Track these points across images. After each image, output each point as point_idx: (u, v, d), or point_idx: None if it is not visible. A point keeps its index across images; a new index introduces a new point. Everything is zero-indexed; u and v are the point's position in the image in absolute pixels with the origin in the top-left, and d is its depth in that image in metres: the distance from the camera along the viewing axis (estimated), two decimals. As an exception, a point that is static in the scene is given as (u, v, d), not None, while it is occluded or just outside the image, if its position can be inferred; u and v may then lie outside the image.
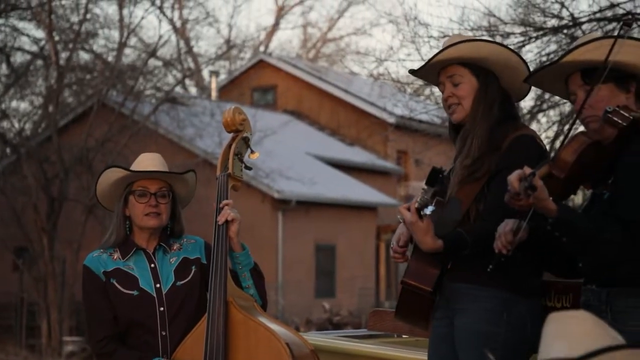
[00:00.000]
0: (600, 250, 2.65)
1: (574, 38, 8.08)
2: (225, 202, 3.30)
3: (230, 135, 3.47)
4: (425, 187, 2.82)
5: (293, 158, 20.69)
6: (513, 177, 2.55)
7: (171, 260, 3.36)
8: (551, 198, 2.62)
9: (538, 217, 2.66)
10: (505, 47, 3.16)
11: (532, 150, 2.98)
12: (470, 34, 8.36)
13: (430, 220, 2.88)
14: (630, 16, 7.86)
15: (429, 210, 2.83)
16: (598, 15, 8.19)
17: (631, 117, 2.72)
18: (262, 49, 29.80)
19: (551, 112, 12.51)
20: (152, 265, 3.34)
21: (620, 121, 2.70)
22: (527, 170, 2.55)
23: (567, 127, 3.00)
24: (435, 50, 3.60)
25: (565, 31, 8.32)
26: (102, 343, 3.27)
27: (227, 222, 3.27)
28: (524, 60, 3.18)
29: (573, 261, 2.88)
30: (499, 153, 3.03)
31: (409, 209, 2.89)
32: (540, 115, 12.53)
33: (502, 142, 3.05)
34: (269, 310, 3.18)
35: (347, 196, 21.15)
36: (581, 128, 2.94)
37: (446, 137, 3.89)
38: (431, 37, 9.22)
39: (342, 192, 21.23)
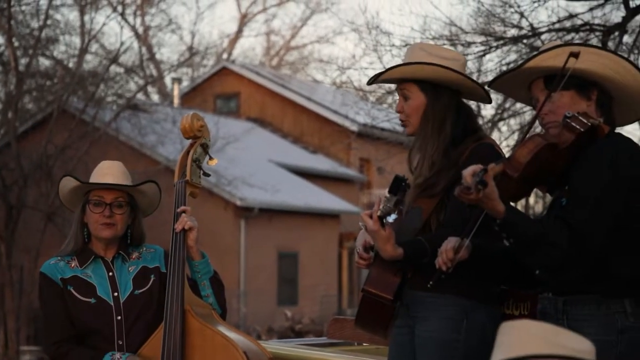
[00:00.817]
0: (545, 253, 2.66)
1: (533, 48, 8.17)
2: (182, 208, 3.28)
3: (189, 141, 3.44)
4: (388, 195, 2.83)
5: (256, 165, 20.67)
6: (467, 171, 2.58)
7: (130, 268, 3.33)
8: (502, 199, 2.63)
9: (487, 220, 2.67)
10: (446, 68, 3.09)
11: (491, 156, 3.00)
12: (432, 42, 8.40)
13: (392, 229, 2.88)
14: (588, 26, 7.96)
15: (391, 218, 2.85)
16: (557, 25, 8.29)
17: (589, 124, 2.74)
18: (225, 56, 29.76)
19: (512, 121, 12.66)
20: (110, 273, 3.31)
21: (578, 127, 2.73)
22: (481, 166, 2.56)
23: (527, 130, 3.03)
24: (397, 59, 3.62)
25: (525, 41, 8.41)
26: (56, 345, 3.24)
27: (185, 230, 3.24)
28: (468, 77, 3.16)
29: (529, 274, 2.91)
30: (457, 167, 3.03)
31: (371, 216, 2.90)
32: (501, 124, 12.66)
33: (461, 157, 3.06)
34: (231, 318, 3.17)
35: (309, 204, 21.17)
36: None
37: (408, 145, 3.91)
38: (393, 45, 9.27)
39: (305, 199, 21.24)
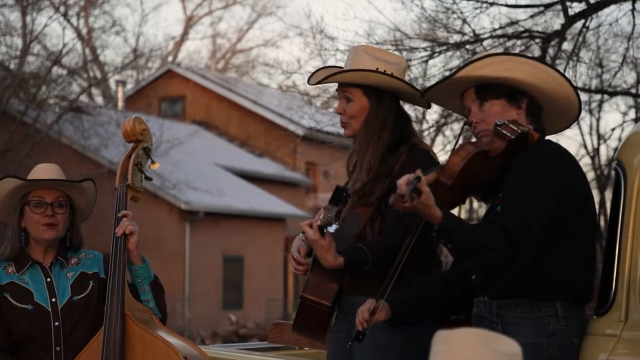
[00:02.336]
0: (482, 257, 2.71)
1: (476, 54, 8.28)
2: (123, 213, 3.26)
3: (130, 145, 3.42)
4: (329, 205, 2.85)
5: (201, 169, 20.55)
6: (401, 180, 2.61)
7: (68, 274, 3.30)
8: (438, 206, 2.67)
9: (425, 226, 2.71)
10: (392, 76, 3.14)
11: (426, 163, 3.04)
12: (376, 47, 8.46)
13: (332, 238, 2.91)
14: (529, 33, 8.10)
15: (332, 228, 2.87)
16: (499, 32, 8.41)
17: (519, 131, 2.80)
18: (170, 59, 29.53)
19: (455, 126, 12.78)
20: (48, 279, 3.27)
21: (508, 134, 2.79)
22: (416, 174, 2.60)
23: (457, 138, 3.09)
24: (341, 63, 3.64)
25: (467, 47, 8.52)
26: None
27: (125, 234, 3.22)
28: (412, 86, 3.21)
29: (462, 296, 2.96)
30: (392, 175, 3.06)
31: (311, 226, 2.91)
32: (445, 129, 12.81)
33: (395, 165, 3.09)
34: (175, 322, 3.15)
35: (255, 207, 21.12)
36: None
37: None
38: (337, 50, 9.33)
39: (251, 203, 21.18)
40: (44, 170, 3.33)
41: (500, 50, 8.02)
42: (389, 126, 3.14)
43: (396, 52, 8.44)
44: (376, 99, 3.15)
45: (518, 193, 2.75)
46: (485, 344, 1.93)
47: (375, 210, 3.09)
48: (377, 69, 3.12)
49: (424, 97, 3.11)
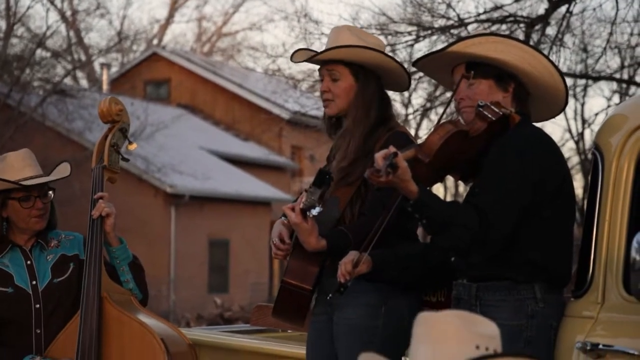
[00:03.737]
0: (455, 234, 2.72)
1: (461, 39, 8.27)
2: (99, 195, 3.24)
3: (107, 126, 3.40)
4: (312, 188, 2.83)
5: (186, 152, 20.49)
6: (378, 154, 2.60)
7: (48, 257, 3.28)
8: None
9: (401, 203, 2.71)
10: (384, 54, 3.16)
11: (405, 145, 3.03)
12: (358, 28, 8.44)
13: (315, 221, 2.90)
14: (513, 18, 8.09)
15: (315, 211, 2.85)
16: (483, 16, 8.41)
17: (501, 113, 2.80)
18: (155, 42, 29.37)
19: (441, 109, 12.80)
20: (29, 262, 3.25)
21: (489, 115, 2.79)
22: (393, 149, 2.59)
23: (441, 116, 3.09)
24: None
25: (452, 31, 8.51)
26: None
27: (102, 216, 3.20)
28: (402, 66, 3.21)
29: (439, 271, 2.96)
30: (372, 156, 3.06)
31: (293, 209, 2.90)
32: (431, 113, 12.81)
33: (375, 146, 3.08)
34: (161, 305, 3.14)
35: (241, 191, 21.10)
36: None
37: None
38: (322, 34, 9.29)
39: (236, 187, 21.16)
40: (22, 161, 3.26)
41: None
42: (374, 106, 3.14)
43: (381, 37, 8.43)
44: (364, 78, 3.14)
45: (495, 174, 2.75)
46: (466, 325, 1.94)
47: (355, 192, 3.08)
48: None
49: (415, 65, 3.09)
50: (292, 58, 3.28)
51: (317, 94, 11.28)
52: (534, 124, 2.96)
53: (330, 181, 2.87)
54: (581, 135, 14.20)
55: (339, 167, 3.10)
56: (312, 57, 3.18)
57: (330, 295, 2.88)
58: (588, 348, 2.67)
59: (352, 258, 2.83)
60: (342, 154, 3.13)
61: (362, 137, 3.10)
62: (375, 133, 3.13)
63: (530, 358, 2.02)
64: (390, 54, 5.41)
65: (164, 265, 19.22)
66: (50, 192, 3.28)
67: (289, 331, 4.23)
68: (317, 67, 3.27)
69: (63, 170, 3.36)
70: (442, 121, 2.82)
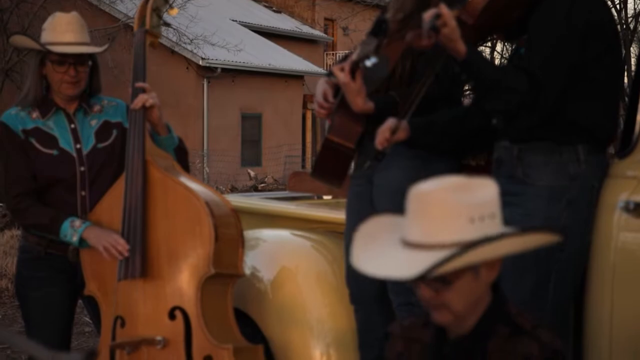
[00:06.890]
0: (503, 97, 2.68)
1: None
2: (140, 84, 3.19)
3: (137, -7, 3.35)
4: (368, 38, 2.76)
5: (218, 24, 20.28)
6: (427, 14, 2.54)
7: (92, 122, 3.29)
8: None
9: (449, 60, 2.66)
10: None
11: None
12: None
13: (362, 82, 2.85)
14: None
15: (370, 62, 2.78)
16: None
17: None
18: None
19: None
20: (73, 125, 3.27)
21: None
22: (436, 10, 2.53)
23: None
24: None
25: None
26: (18, 199, 3.20)
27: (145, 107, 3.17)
28: None
29: (480, 139, 2.92)
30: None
31: (342, 69, 2.87)
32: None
33: None
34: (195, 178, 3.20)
35: (273, 64, 20.97)
36: None
37: (371, 2, 3.80)
38: None
39: (268, 60, 21.02)
40: (66, 25, 3.22)
41: None
42: None
43: None
44: None
45: (542, 34, 2.69)
46: (460, 198, 1.95)
47: (407, 48, 3.01)
48: None
49: None
50: None
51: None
52: None
53: (387, 30, 2.80)
54: (624, 3, 13.78)
55: (394, 18, 3.04)
56: None
57: (368, 162, 2.87)
58: (631, 207, 2.67)
59: (390, 125, 2.81)
60: (399, 6, 3.06)
61: None
62: None
63: (548, 231, 2.03)
64: None
65: (197, 139, 19.37)
66: (90, 61, 3.26)
67: (324, 197, 4.27)
68: None
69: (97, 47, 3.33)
70: None
